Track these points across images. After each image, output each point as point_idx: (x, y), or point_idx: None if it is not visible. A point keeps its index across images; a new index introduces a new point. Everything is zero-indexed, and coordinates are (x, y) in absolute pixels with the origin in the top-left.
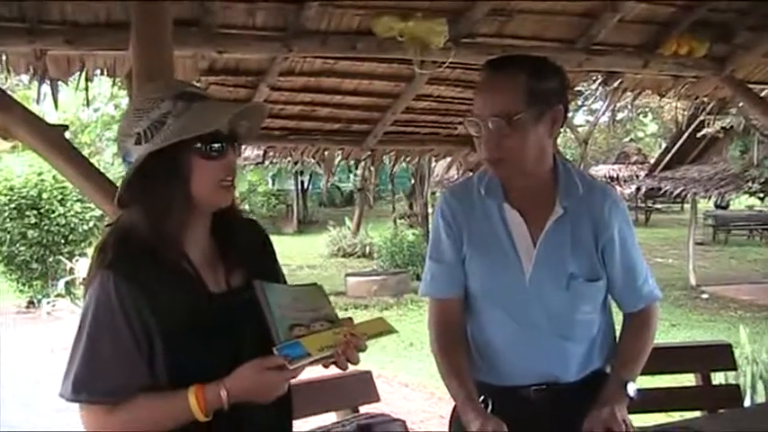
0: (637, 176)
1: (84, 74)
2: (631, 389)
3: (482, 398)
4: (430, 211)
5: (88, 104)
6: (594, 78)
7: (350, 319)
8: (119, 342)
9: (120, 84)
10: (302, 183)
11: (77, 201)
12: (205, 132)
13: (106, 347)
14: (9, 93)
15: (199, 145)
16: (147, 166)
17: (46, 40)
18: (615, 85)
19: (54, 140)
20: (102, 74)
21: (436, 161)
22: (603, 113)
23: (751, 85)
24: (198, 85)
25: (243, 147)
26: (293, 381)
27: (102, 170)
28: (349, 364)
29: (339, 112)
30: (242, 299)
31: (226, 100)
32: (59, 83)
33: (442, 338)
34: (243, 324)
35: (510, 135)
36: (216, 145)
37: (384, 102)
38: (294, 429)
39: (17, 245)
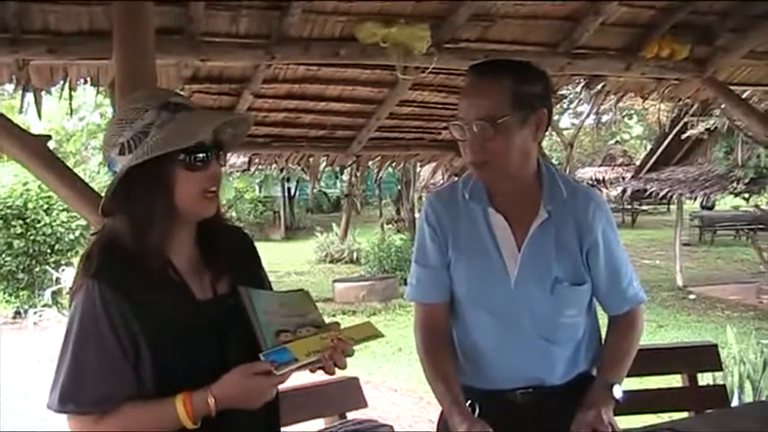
0: (623, 178)
1: (67, 83)
2: (617, 391)
3: (469, 402)
4: (417, 215)
5: (71, 114)
6: (578, 82)
7: (337, 323)
8: (105, 351)
9: (104, 93)
10: (289, 189)
11: (63, 210)
12: (188, 145)
13: (92, 357)
14: None
15: (182, 157)
16: (131, 177)
17: (28, 50)
18: (598, 88)
19: (37, 150)
20: (85, 83)
21: (421, 166)
22: (588, 116)
23: (733, 87)
24: (182, 93)
25: (228, 155)
26: (280, 387)
27: (87, 179)
28: (337, 370)
29: (323, 118)
30: (228, 306)
31: (210, 108)
32: (43, 92)
33: (428, 343)
34: (229, 331)
35: (494, 138)
36: (200, 155)
37: (368, 108)
38: None
39: (3, 255)
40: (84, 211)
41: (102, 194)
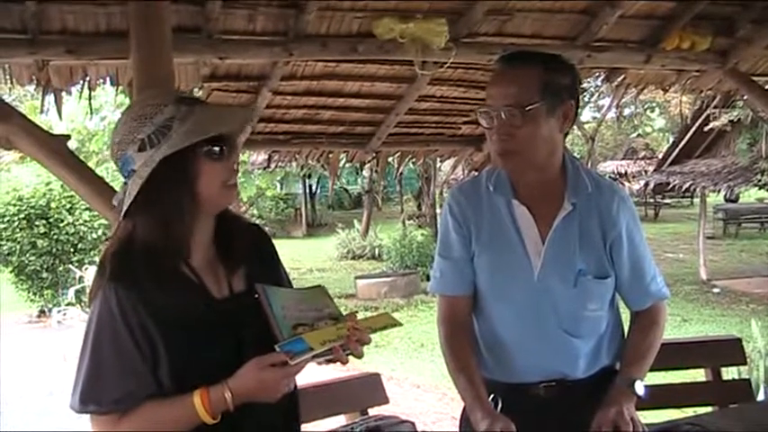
0: (645, 172)
1: (86, 83)
2: (639, 387)
3: (491, 396)
4: (438, 211)
5: (92, 113)
6: (597, 75)
7: (353, 314)
8: (122, 353)
9: (124, 92)
10: (310, 186)
11: (86, 209)
12: (218, 133)
13: (110, 358)
14: (14, 103)
15: (206, 148)
16: (156, 172)
17: (47, 51)
18: (618, 80)
19: (56, 150)
20: (104, 83)
21: (441, 161)
22: (609, 109)
23: (755, 78)
24: (199, 90)
25: (243, 151)
26: (301, 384)
27: (110, 178)
28: (359, 366)
29: (342, 114)
30: (245, 303)
31: (236, 105)
32: (63, 93)
33: (450, 336)
34: (246, 329)
35: (522, 126)
36: (224, 146)
37: (387, 103)
38: None
39: (27, 255)
40: (104, 209)
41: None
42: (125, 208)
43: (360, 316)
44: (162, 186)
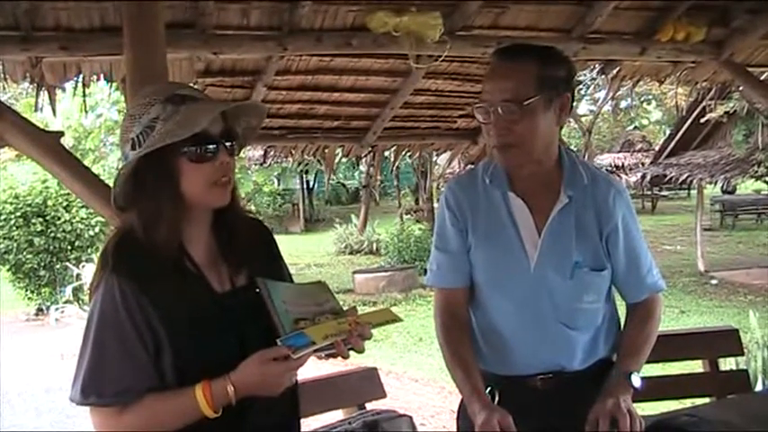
0: (642, 164)
1: (80, 80)
2: (636, 379)
3: (488, 389)
4: (435, 205)
5: (86, 110)
6: (593, 67)
7: (354, 308)
8: (125, 344)
9: (120, 88)
10: (308, 182)
11: (82, 207)
12: (188, 136)
13: (113, 350)
14: (9, 101)
15: (186, 149)
16: (138, 171)
17: (41, 48)
18: (614, 73)
19: (50, 147)
20: (98, 79)
21: (437, 155)
22: (605, 102)
23: (751, 69)
24: (193, 86)
25: (242, 146)
26: (298, 378)
27: (106, 175)
28: (356, 360)
29: (337, 109)
30: (247, 298)
31: (224, 101)
32: (58, 90)
33: (447, 328)
34: (248, 323)
35: (520, 120)
36: (208, 147)
37: (382, 97)
38: (301, 429)
39: (24, 253)
40: (98, 206)
41: None
42: (112, 203)
43: (357, 309)
44: (143, 185)
